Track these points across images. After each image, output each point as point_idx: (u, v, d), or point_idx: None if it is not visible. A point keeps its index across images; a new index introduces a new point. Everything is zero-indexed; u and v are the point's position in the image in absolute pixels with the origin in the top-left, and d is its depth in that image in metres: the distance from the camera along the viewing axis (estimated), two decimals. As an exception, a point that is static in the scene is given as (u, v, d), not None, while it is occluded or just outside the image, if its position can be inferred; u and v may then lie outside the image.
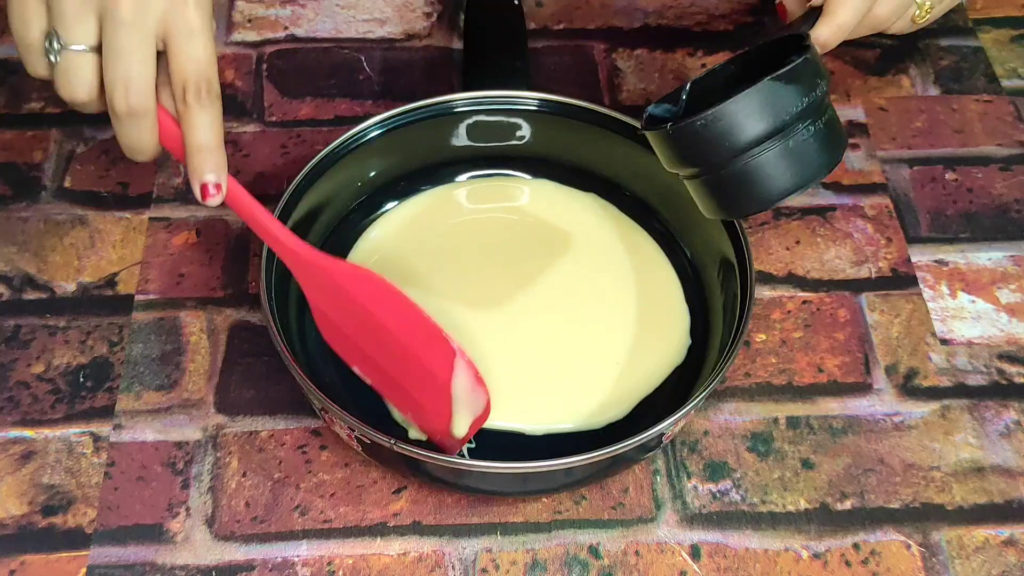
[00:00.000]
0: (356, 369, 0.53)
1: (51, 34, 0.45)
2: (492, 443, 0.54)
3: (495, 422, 0.54)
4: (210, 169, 0.47)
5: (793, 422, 0.57)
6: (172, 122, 0.47)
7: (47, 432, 0.55)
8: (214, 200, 0.47)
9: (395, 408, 0.54)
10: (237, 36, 0.74)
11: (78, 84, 0.45)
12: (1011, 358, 0.59)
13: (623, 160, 0.62)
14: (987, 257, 0.64)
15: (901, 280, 0.63)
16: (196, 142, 0.46)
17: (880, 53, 0.74)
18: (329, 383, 0.56)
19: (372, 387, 0.53)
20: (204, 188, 0.47)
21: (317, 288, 0.51)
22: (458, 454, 0.53)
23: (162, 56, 0.45)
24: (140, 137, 0.46)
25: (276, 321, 0.52)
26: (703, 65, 0.73)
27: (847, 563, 0.52)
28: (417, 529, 0.53)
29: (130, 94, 0.44)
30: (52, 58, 0.45)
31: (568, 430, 0.54)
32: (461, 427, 0.51)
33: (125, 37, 0.44)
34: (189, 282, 0.61)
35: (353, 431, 0.49)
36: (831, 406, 0.57)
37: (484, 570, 0.51)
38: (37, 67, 0.46)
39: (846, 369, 0.59)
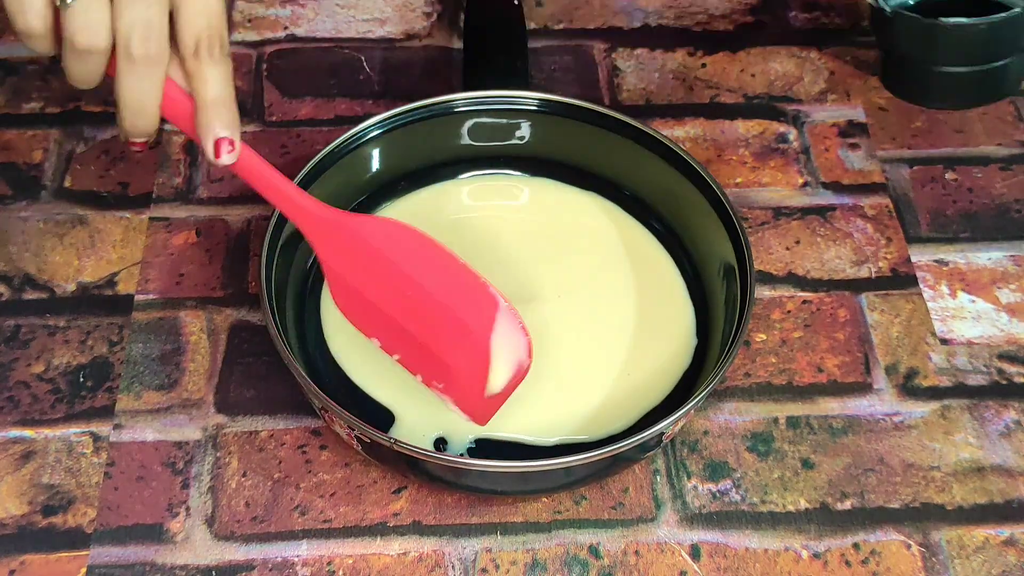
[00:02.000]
0: (376, 342, 0.50)
1: None
2: (493, 451, 0.54)
3: (497, 433, 0.54)
4: (224, 125, 0.45)
5: (793, 422, 0.57)
6: (175, 87, 0.45)
7: (47, 432, 0.55)
8: (227, 158, 0.45)
9: (422, 382, 0.51)
10: (237, 36, 0.74)
11: (96, 26, 0.42)
12: (1011, 358, 0.59)
13: (623, 160, 0.62)
14: (987, 257, 0.64)
15: (901, 280, 0.63)
16: (209, 97, 0.44)
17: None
18: (329, 383, 0.56)
19: (397, 361, 0.50)
20: (218, 145, 0.44)
21: (336, 250, 0.49)
22: (458, 454, 0.53)
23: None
24: (150, 91, 0.44)
25: (276, 321, 0.52)
26: (703, 65, 0.73)
27: (847, 563, 0.52)
28: (417, 529, 0.53)
29: (149, 39, 0.42)
30: (61, 1, 0.42)
31: (573, 442, 0.54)
32: (498, 380, 0.48)
33: None
34: (189, 282, 0.61)
35: (353, 430, 0.49)
36: (831, 406, 0.57)
37: (484, 570, 0.51)
38: (34, 20, 0.43)
39: (846, 369, 0.59)
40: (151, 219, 0.64)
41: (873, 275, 0.63)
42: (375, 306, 0.49)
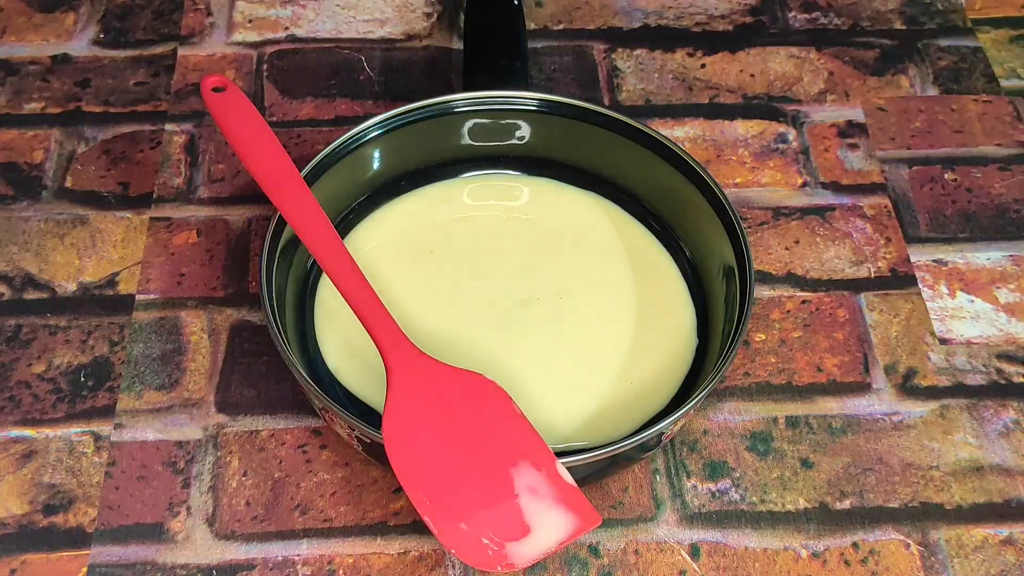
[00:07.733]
0: (410, 488, 0.47)
1: None
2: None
3: None
4: None
5: (792, 421, 0.57)
6: None
7: (48, 431, 0.56)
8: None
9: (437, 529, 0.46)
10: (237, 36, 0.74)
11: None
12: (1010, 358, 0.60)
13: (623, 160, 0.62)
14: (986, 257, 0.64)
15: (900, 280, 0.63)
16: None
17: (879, 53, 0.74)
18: (329, 383, 0.56)
19: (419, 512, 0.47)
20: None
21: (410, 391, 0.49)
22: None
23: None
24: None
25: (276, 321, 0.52)
26: (703, 66, 0.73)
27: (846, 562, 0.52)
28: (418, 528, 0.53)
29: None
30: None
31: (575, 448, 0.54)
32: (532, 549, 0.46)
33: None
34: (190, 282, 0.61)
35: (353, 430, 0.50)
36: (830, 406, 0.58)
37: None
38: None
39: (845, 369, 0.59)
40: (152, 219, 0.64)
41: (872, 275, 0.63)
42: (426, 448, 0.48)
